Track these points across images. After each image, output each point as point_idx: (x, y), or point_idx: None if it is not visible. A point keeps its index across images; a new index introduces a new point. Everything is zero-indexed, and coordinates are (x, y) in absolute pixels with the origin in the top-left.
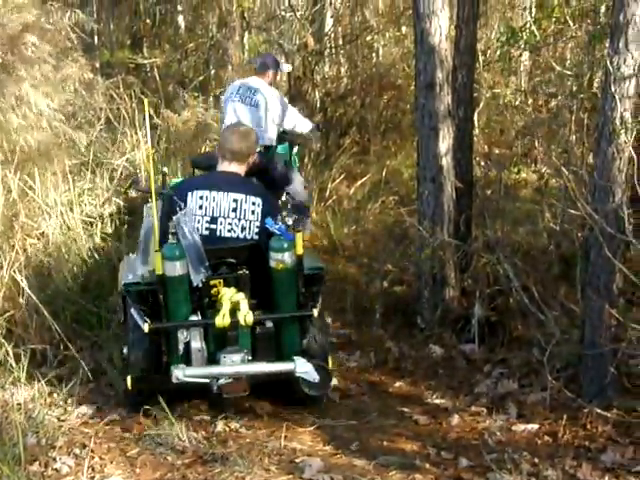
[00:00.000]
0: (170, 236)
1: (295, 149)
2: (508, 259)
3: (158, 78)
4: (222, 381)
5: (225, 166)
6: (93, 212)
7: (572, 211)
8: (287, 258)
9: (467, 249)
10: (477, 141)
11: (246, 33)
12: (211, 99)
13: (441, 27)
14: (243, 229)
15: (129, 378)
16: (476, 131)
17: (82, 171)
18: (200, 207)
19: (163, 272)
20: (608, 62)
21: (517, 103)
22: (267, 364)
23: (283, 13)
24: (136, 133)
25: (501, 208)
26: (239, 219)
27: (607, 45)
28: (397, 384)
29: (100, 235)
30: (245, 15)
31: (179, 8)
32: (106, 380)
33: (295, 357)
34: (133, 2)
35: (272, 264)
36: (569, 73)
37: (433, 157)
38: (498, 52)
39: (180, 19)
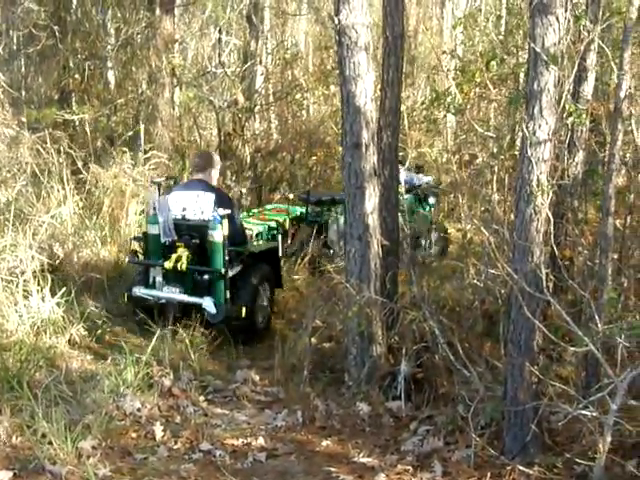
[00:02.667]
0: (152, 211)
1: None
2: (434, 316)
3: (86, 133)
4: (163, 301)
5: (194, 175)
6: (15, 269)
7: (492, 271)
8: (215, 235)
9: (394, 306)
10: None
11: (177, 89)
12: (140, 155)
13: (366, 89)
14: (201, 214)
15: (125, 295)
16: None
17: (4, 227)
18: (176, 201)
19: (146, 230)
20: (524, 127)
21: (444, 161)
22: (186, 296)
23: (214, 69)
24: (63, 188)
25: (427, 265)
26: (199, 207)
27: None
28: (324, 443)
29: (22, 293)
30: (176, 71)
31: (109, 64)
32: None
33: (205, 297)
34: (62, 57)
35: (208, 237)
36: (490, 135)
37: (360, 215)
38: (423, 113)
39: (110, 74)
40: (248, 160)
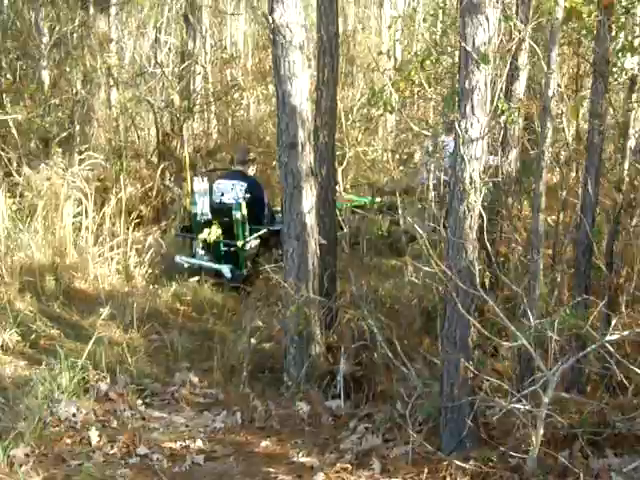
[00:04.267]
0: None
1: None
2: (372, 314)
3: (20, 134)
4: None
5: (235, 167)
6: None
7: (426, 268)
8: (237, 215)
9: (332, 305)
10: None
11: (113, 89)
12: (75, 156)
13: (302, 89)
14: (234, 199)
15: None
16: (340, 188)
17: None
18: (218, 188)
19: (190, 210)
20: (457, 125)
21: (384, 160)
22: (212, 263)
23: (152, 69)
24: None
25: (366, 263)
26: (234, 193)
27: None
28: (263, 443)
29: None
30: (112, 71)
31: (42, 63)
32: None
33: (226, 264)
34: None
35: (232, 217)
36: (427, 133)
37: (297, 215)
38: (361, 112)
39: (44, 74)
40: (187, 160)
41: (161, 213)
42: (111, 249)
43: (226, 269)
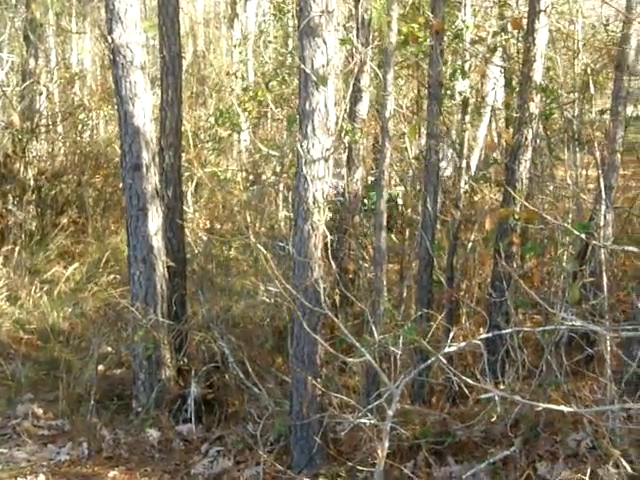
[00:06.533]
0: None
1: None
2: (223, 335)
3: None
4: None
5: None
6: None
7: (270, 288)
8: None
9: (182, 328)
10: (199, 217)
11: None
12: None
13: (145, 109)
14: None
15: None
16: (190, 208)
17: None
18: None
19: None
20: (299, 146)
21: (238, 180)
22: None
23: None
24: None
25: (216, 284)
26: None
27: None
28: (111, 474)
29: None
30: None
31: None
32: None
33: None
34: None
35: None
36: (274, 153)
37: (143, 237)
38: (209, 133)
39: None
40: (32, 183)
41: (5, 237)
42: None
43: None
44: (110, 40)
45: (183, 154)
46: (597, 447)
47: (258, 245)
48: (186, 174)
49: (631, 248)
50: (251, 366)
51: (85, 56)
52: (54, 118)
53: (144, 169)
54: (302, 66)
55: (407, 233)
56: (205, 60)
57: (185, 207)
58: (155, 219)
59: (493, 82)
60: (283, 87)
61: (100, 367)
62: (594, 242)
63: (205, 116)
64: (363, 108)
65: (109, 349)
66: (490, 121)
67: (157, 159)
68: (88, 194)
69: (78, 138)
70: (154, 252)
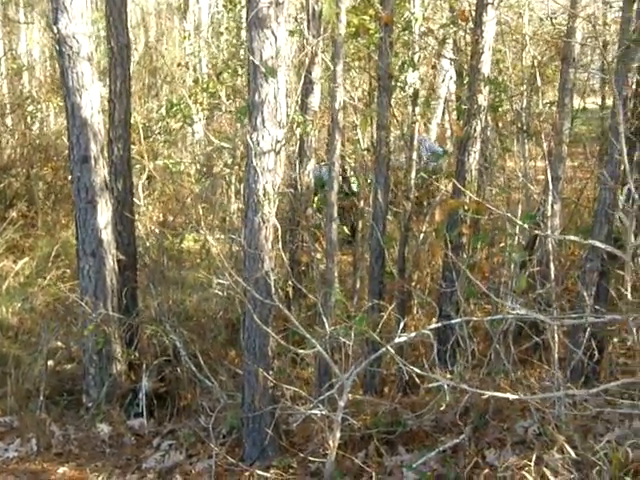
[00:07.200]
0: None
1: None
2: (175, 328)
3: None
4: None
5: None
6: None
7: (221, 280)
8: None
9: (132, 321)
10: (151, 210)
11: None
12: None
13: (92, 101)
14: None
15: None
16: (142, 201)
17: None
18: None
19: None
20: (248, 138)
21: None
22: None
23: None
24: None
25: (168, 277)
26: None
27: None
28: (61, 470)
29: None
30: None
31: None
32: None
33: None
34: None
35: None
36: (225, 145)
37: (92, 231)
38: (160, 124)
39: None
40: None
41: None
42: None
43: None
44: (56, 30)
45: (133, 146)
46: (543, 433)
47: (208, 238)
48: (137, 167)
49: (574, 238)
50: (203, 359)
51: (34, 47)
52: (2, 110)
53: (93, 161)
54: (251, 58)
55: (360, 225)
56: (157, 51)
57: (136, 200)
58: (104, 212)
59: (444, 74)
60: (235, 79)
61: (50, 362)
62: (539, 232)
63: (157, 108)
64: (315, 100)
65: (59, 344)
66: (443, 113)
67: (106, 151)
68: (38, 187)
69: (27, 130)
70: (103, 245)
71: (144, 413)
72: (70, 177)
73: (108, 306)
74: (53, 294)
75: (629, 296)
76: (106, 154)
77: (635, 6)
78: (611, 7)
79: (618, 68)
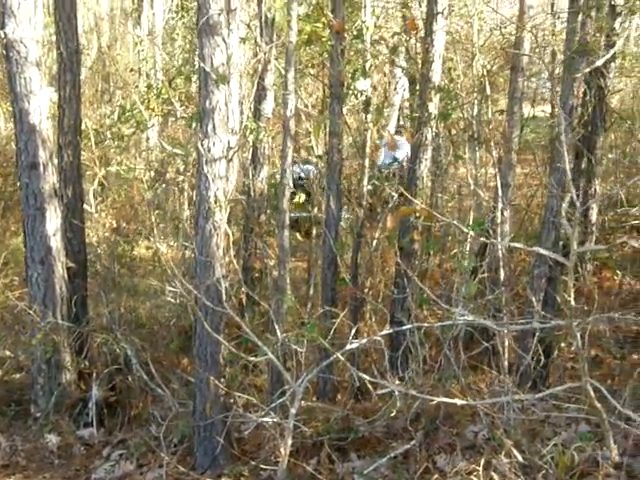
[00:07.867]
0: None
1: None
2: (126, 337)
3: None
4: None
5: None
6: None
7: (170, 288)
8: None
9: (82, 330)
10: (104, 217)
11: None
12: None
13: (41, 107)
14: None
15: None
16: (93, 208)
17: None
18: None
19: None
20: (199, 144)
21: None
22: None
23: None
24: None
25: (120, 285)
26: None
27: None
28: None
29: None
30: None
31: None
32: None
33: None
34: None
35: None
36: (177, 152)
37: (41, 238)
38: (112, 130)
39: None
40: None
41: None
42: None
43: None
44: (3, 35)
45: (84, 152)
46: (492, 438)
47: (158, 245)
48: (88, 173)
49: (520, 245)
50: (155, 367)
51: None
52: None
53: (41, 168)
54: (202, 64)
55: (314, 232)
56: (110, 57)
57: (88, 207)
58: (53, 219)
59: (396, 82)
60: (188, 85)
61: None
62: (486, 240)
63: (110, 113)
64: (268, 107)
65: (7, 353)
66: (398, 120)
67: (56, 158)
68: None
69: None
70: (52, 253)
71: (94, 423)
72: (19, 184)
73: (57, 314)
74: (1, 302)
75: (572, 302)
76: (56, 161)
77: (579, 17)
78: (559, 18)
79: (564, 78)
